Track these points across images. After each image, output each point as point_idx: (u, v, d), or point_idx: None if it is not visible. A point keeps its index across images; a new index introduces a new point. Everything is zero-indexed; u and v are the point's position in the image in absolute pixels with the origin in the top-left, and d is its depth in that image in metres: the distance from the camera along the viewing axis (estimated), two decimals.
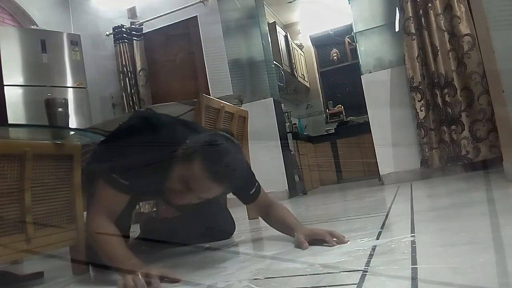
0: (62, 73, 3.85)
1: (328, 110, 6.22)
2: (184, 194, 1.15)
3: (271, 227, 1.45)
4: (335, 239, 1.20)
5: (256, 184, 1.43)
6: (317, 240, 1.23)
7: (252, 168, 2.58)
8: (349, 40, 6.13)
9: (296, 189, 3.97)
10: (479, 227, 1.14)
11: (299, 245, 1.22)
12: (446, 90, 3.15)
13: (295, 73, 5.63)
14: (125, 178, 1.18)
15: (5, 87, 3.44)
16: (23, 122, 3.41)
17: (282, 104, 4.39)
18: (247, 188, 1.41)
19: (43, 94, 3.56)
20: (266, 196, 1.46)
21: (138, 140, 1.21)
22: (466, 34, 3.08)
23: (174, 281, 1.02)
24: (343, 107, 6.09)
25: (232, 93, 3.83)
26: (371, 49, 3.56)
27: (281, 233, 1.41)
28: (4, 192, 1.13)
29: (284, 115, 4.54)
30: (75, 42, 3.97)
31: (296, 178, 4.09)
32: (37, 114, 3.46)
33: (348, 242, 1.19)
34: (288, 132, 4.37)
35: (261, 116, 3.72)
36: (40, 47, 3.69)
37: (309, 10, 5.97)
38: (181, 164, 1.14)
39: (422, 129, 3.23)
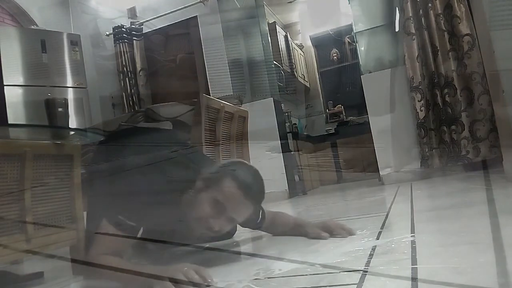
0: (62, 73, 3.84)
1: (328, 110, 6.21)
2: (214, 219, 1.13)
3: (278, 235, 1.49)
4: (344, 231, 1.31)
5: (261, 211, 1.44)
6: (329, 231, 1.33)
7: None
8: (349, 40, 6.13)
9: (296, 189, 3.97)
10: (479, 227, 1.14)
11: (317, 237, 1.32)
12: (446, 90, 3.15)
13: (295, 73, 5.63)
14: (132, 218, 1.13)
15: (5, 87, 3.44)
16: (23, 122, 3.41)
17: (282, 104, 4.39)
18: (255, 218, 1.42)
19: (43, 94, 3.56)
20: (269, 213, 1.49)
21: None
22: (466, 34, 3.08)
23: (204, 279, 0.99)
24: (343, 107, 6.09)
25: (232, 93, 3.83)
26: (371, 49, 3.56)
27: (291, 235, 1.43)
28: (4, 192, 1.13)
29: (284, 115, 4.54)
30: (75, 42, 3.97)
31: (296, 178, 4.09)
32: (37, 114, 3.46)
33: (356, 234, 1.29)
34: (288, 132, 4.37)
35: (261, 116, 3.72)
36: (40, 47, 3.69)
37: (309, 10, 5.97)
38: (208, 189, 1.15)
39: (422, 129, 3.22)
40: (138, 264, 1.20)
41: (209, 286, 0.97)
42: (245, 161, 1.27)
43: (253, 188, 1.17)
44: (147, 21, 4.48)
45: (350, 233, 1.30)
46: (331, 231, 1.33)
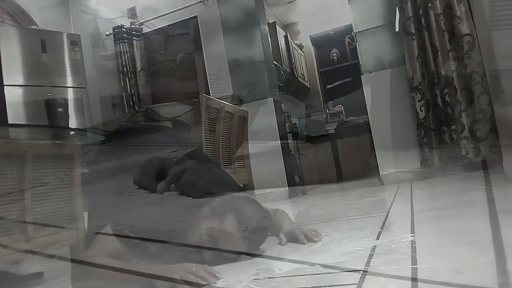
0: (62, 73, 3.84)
1: (328, 110, 6.22)
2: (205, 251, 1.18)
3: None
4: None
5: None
6: (294, 238, 1.35)
7: (252, 168, 2.58)
8: (349, 40, 6.13)
9: (296, 189, 3.97)
10: (479, 227, 1.14)
11: (282, 243, 1.35)
12: (446, 90, 3.15)
13: (295, 73, 5.63)
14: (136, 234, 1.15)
15: (5, 87, 3.44)
16: (23, 122, 3.41)
17: (282, 104, 4.39)
18: None
19: (43, 94, 3.56)
20: (272, 213, 1.49)
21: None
22: (466, 34, 3.08)
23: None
24: (343, 107, 6.09)
25: (232, 93, 3.83)
26: (371, 49, 3.56)
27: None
28: (4, 192, 1.13)
29: (284, 115, 4.54)
30: (75, 42, 3.97)
31: (296, 178, 4.09)
32: (37, 114, 3.46)
33: (319, 242, 1.29)
34: (288, 132, 4.37)
35: (261, 116, 3.72)
36: (40, 47, 3.69)
37: (309, 10, 5.97)
38: (210, 219, 1.17)
39: (422, 129, 3.22)
40: (140, 264, 1.19)
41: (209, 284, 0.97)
42: (254, 199, 1.28)
43: (254, 231, 1.18)
44: (147, 21, 4.48)
45: (311, 239, 1.30)
46: (296, 238, 1.34)
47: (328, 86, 6.39)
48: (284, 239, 1.35)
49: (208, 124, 2.04)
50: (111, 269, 1.07)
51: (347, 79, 6.07)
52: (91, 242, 1.17)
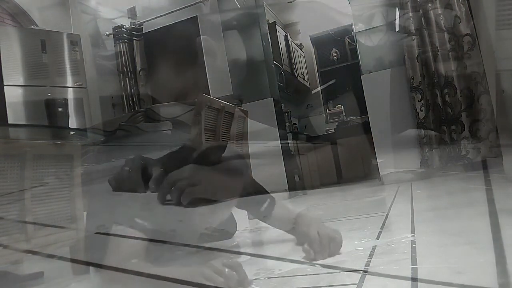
0: (62, 73, 3.84)
1: (328, 110, 6.22)
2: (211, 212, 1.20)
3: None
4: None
5: (268, 200, 1.36)
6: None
7: (252, 169, 2.57)
8: (349, 40, 6.13)
9: (296, 189, 3.97)
10: (479, 227, 1.14)
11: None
12: (446, 90, 3.15)
13: (295, 73, 5.63)
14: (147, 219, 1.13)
15: (5, 87, 3.44)
16: (23, 122, 3.41)
17: (282, 104, 4.39)
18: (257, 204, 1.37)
19: (43, 94, 3.56)
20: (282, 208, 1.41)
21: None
22: (466, 34, 3.08)
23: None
24: (343, 107, 6.09)
25: (232, 93, 3.83)
26: (371, 49, 3.56)
27: (283, 233, 1.40)
28: (4, 192, 1.13)
29: (284, 115, 4.54)
30: (75, 42, 3.97)
31: (296, 178, 4.09)
32: (37, 114, 3.46)
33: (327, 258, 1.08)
34: (288, 132, 4.37)
35: (261, 116, 3.72)
36: (40, 47, 3.69)
37: (309, 10, 5.97)
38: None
39: (422, 129, 3.22)
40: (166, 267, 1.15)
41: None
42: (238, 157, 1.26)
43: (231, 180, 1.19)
44: (147, 21, 4.48)
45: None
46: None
47: (322, 87, 6.39)
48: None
49: (208, 124, 2.04)
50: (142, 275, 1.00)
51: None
52: (106, 248, 1.10)
